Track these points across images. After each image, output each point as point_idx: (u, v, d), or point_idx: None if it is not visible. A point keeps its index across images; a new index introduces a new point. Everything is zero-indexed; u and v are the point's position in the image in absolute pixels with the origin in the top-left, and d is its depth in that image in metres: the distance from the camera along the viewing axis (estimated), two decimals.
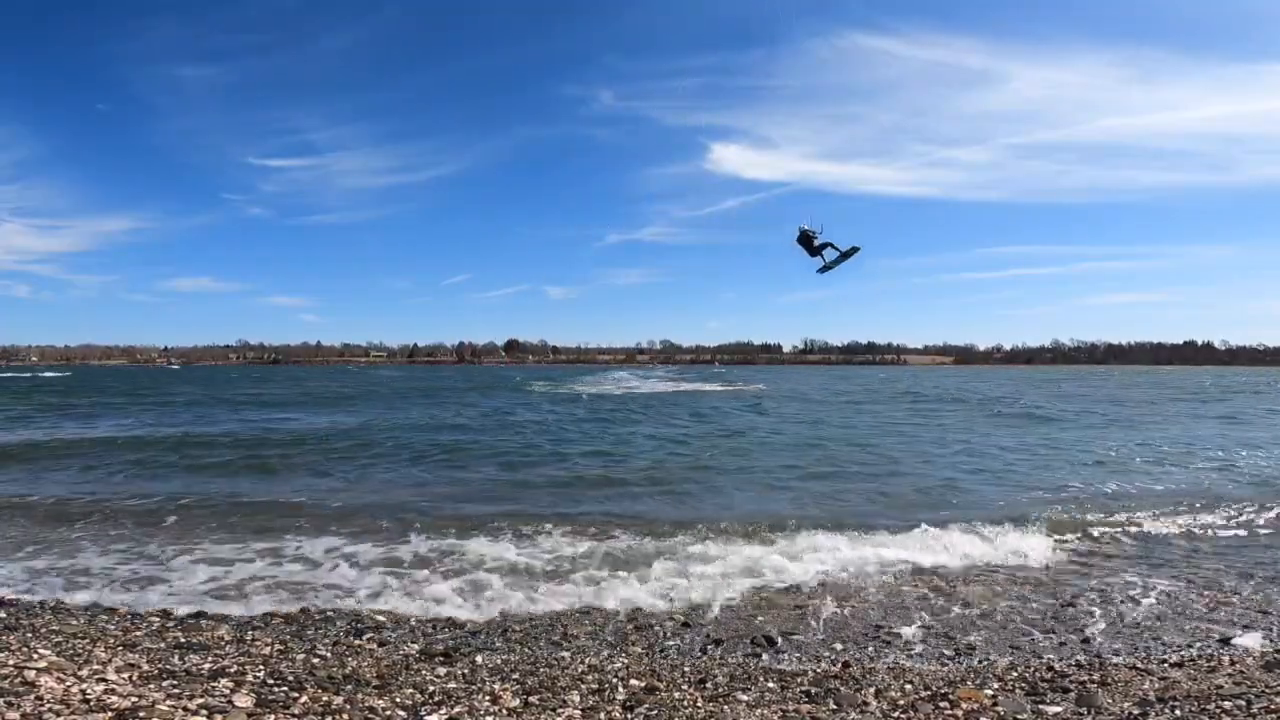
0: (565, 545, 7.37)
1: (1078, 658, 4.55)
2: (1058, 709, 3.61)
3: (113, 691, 3.37)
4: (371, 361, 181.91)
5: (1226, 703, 3.54)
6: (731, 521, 8.32)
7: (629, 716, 3.54)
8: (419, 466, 12.92)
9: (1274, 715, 3.38)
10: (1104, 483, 11.22)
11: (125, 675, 3.65)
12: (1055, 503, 9.67)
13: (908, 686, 4.02)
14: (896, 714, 3.61)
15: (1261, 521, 8.62)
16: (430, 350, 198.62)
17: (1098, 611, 5.50)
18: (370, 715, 3.36)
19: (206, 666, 3.94)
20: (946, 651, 4.77)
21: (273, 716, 3.26)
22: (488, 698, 3.67)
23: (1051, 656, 4.60)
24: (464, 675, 4.06)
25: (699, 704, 3.72)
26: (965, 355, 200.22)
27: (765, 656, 4.69)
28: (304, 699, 3.49)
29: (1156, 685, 3.93)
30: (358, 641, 4.72)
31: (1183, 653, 4.57)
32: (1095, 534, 8.01)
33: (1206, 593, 5.93)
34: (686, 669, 4.33)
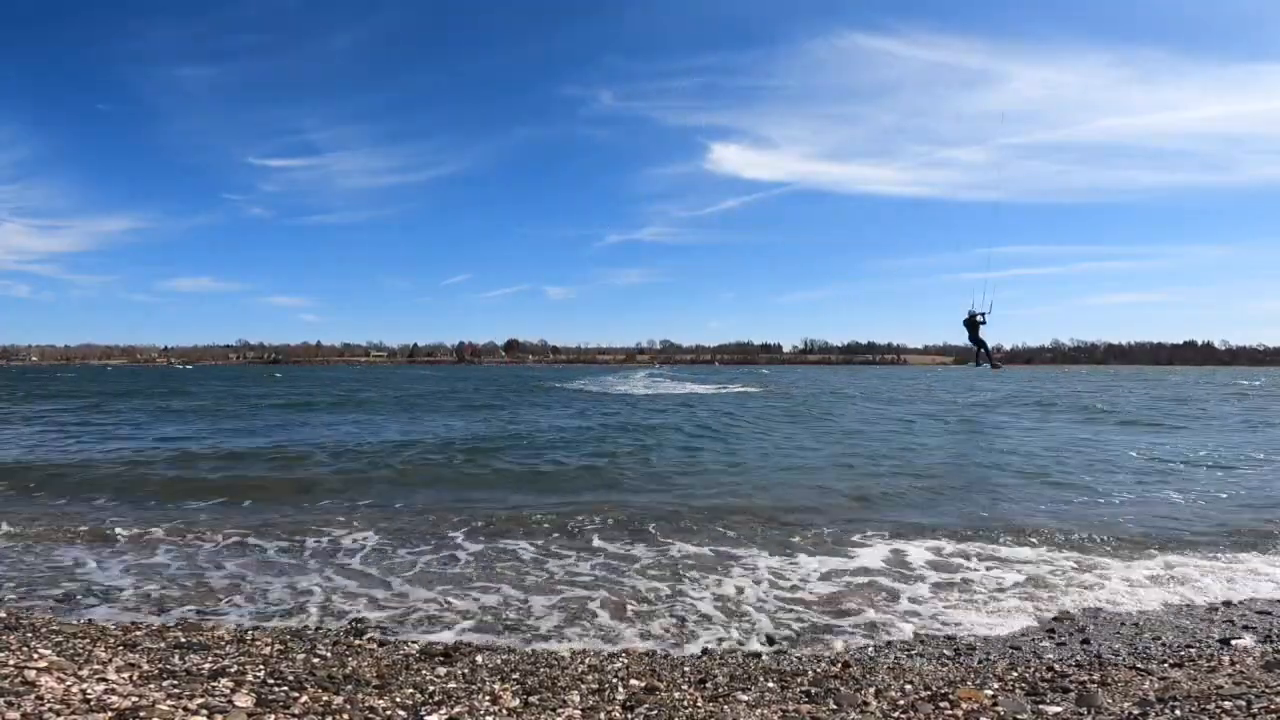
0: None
1: (1077, 658, 4.55)
2: (1058, 709, 3.61)
3: (113, 691, 3.37)
4: (372, 361, 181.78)
5: (1226, 703, 3.54)
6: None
7: (629, 716, 3.54)
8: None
9: (1274, 715, 3.38)
10: None
11: (125, 675, 3.66)
12: None
13: (908, 686, 4.02)
14: (896, 714, 3.61)
15: None
16: (430, 350, 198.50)
17: (1100, 612, 5.51)
18: (370, 715, 3.37)
19: (207, 666, 3.95)
20: (946, 652, 4.77)
21: (273, 716, 3.26)
22: (488, 698, 3.68)
23: (1051, 657, 4.60)
24: (464, 675, 4.06)
25: (699, 704, 3.73)
26: (965, 355, 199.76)
27: (765, 656, 4.68)
28: (304, 699, 3.50)
29: (1156, 685, 3.93)
30: (358, 641, 4.72)
31: (1183, 653, 4.57)
32: None
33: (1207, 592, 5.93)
34: (686, 669, 4.33)
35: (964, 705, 3.67)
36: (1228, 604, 5.68)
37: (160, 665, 3.91)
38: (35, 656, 3.87)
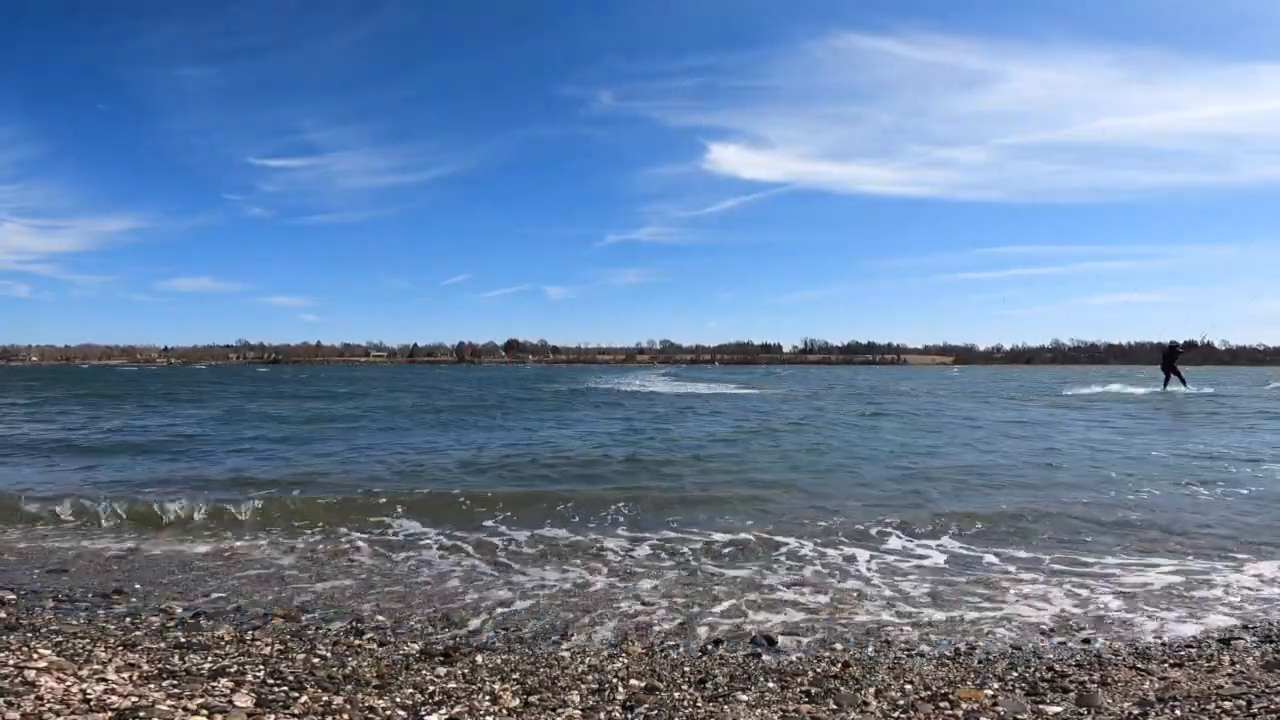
0: None
1: (1077, 658, 4.55)
2: (1058, 709, 3.61)
3: (113, 691, 3.37)
4: (372, 361, 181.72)
5: (1226, 703, 3.54)
6: None
7: (629, 716, 3.54)
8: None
9: (1274, 715, 3.38)
10: None
11: (125, 675, 3.66)
12: None
13: (908, 686, 4.02)
14: (896, 714, 3.61)
15: None
16: (430, 350, 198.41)
17: (1100, 612, 5.50)
18: (370, 715, 3.37)
19: (206, 666, 3.95)
20: (946, 651, 4.77)
21: (273, 716, 3.26)
22: (488, 697, 3.68)
23: (1051, 657, 4.60)
24: (464, 675, 4.06)
25: (699, 704, 3.73)
26: (965, 355, 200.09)
27: (765, 656, 4.68)
28: (304, 699, 3.50)
29: (1156, 685, 3.93)
30: (358, 641, 4.72)
31: (1182, 653, 4.57)
32: None
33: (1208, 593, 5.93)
34: (687, 669, 4.33)
35: (964, 705, 3.67)
36: (1228, 604, 5.68)
37: (160, 665, 3.92)
38: (35, 656, 3.87)
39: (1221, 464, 12.36)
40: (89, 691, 3.34)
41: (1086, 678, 4.10)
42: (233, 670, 3.89)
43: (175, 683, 3.60)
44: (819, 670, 4.37)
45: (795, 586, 6.09)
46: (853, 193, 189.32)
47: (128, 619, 5.05)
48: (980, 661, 4.56)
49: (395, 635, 4.93)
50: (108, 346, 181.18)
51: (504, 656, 4.51)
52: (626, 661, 4.50)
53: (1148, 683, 3.99)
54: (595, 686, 3.95)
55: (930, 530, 7.91)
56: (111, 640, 4.39)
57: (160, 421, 20.94)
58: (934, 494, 9.99)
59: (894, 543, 7.44)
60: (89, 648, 4.18)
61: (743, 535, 7.70)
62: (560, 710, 3.57)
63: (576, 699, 3.75)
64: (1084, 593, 5.85)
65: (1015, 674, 4.21)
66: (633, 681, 4.05)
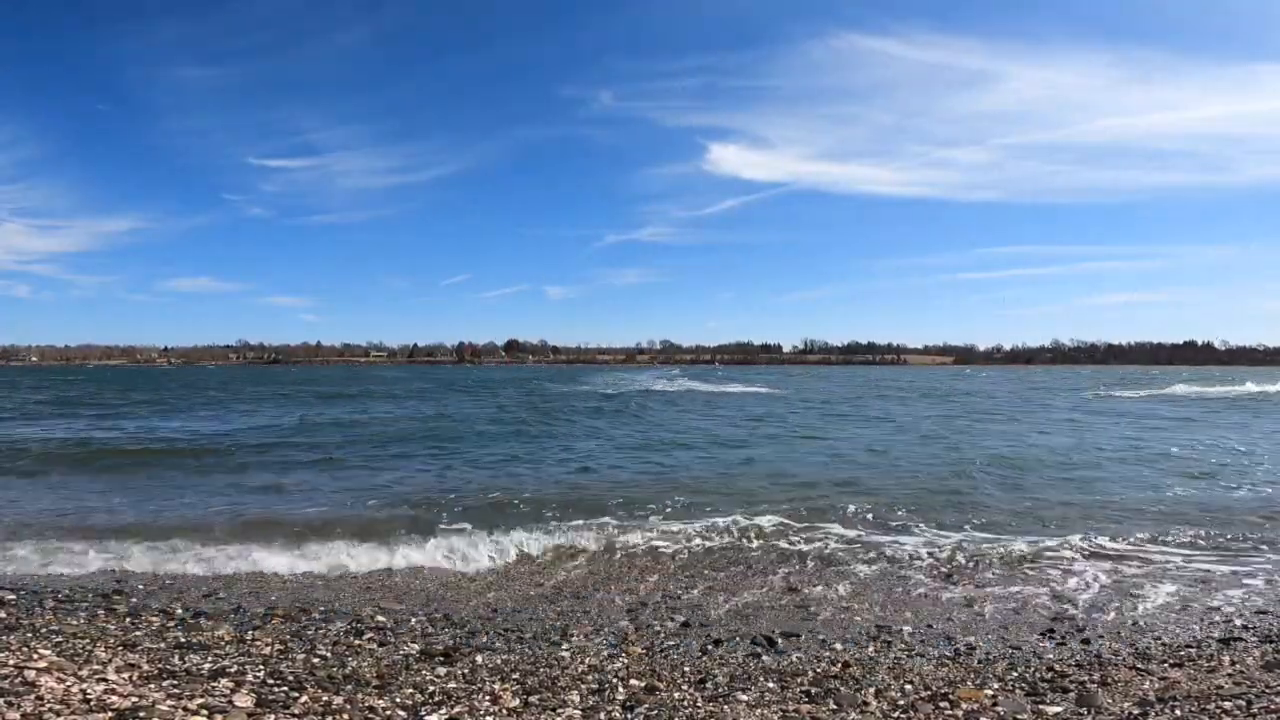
0: None
1: (1077, 658, 4.55)
2: (1058, 709, 3.61)
3: (113, 691, 3.37)
4: (372, 361, 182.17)
5: (1226, 703, 3.54)
6: None
7: (629, 716, 3.54)
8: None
9: (1274, 715, 3.38)
10: None
11: (125, 675, 3.66)
12: None
13: (908, 687, 4.02)
14: (896, 714, 3.61)
15: None
16: (430, 350, 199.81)
17: (1100, 612, 5.51)
18: (370, 715, 3.37)
19: (206, 666, 3.95)
20: (946, 652, 4.77)
21: (273, 716, 3.26)
22: (488, 698, 3.68)
23: (1051, 657, 4.60)
24: (464, 675, 4.06)
25: (699, 704, 3.73)
26: (965, 355, 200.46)
27: (765, 657, 4.68)
28: (304, 699, 3.50)
29: (1156, 685, 3.93)
30: (358, 641, 4.72)
31: (1182, 653, 4.57)
32: None
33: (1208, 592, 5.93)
34: (687, 669, 4.33)
35: (964, 705, 3.67)
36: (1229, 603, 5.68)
37: (160, 665, 3.91)
38: (35, 656, 3.87)
39: None
40: (89, 691, 3.34)
41: (1086, 678, 4.09)
42: (233, 670, 3.89)
43: (175, 683, 3.60)
44: (819, 670, 4.36)
45: None
46: (852, 193, 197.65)
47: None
48: (980, 661, 4.54)
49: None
50: (108, 347, 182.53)
51: (504, 656, 4.51)
52: (626, 661, 4.49)
53: (1148, 683, 3.98)
54: (595, 686, 3.95)
55: None
56: (111, 640, 4.39)
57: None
58: None
59: None
60: (89, 648, 4.18)
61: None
62: (560, 710, 3.57)
63: (576, 699, 3.75)
64: None
65: (1015, 674, 4.19)
66: (633, 681, 4.04)
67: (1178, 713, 3.48)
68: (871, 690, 3.95)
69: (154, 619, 5.09)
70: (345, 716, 3.33)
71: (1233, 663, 4.30)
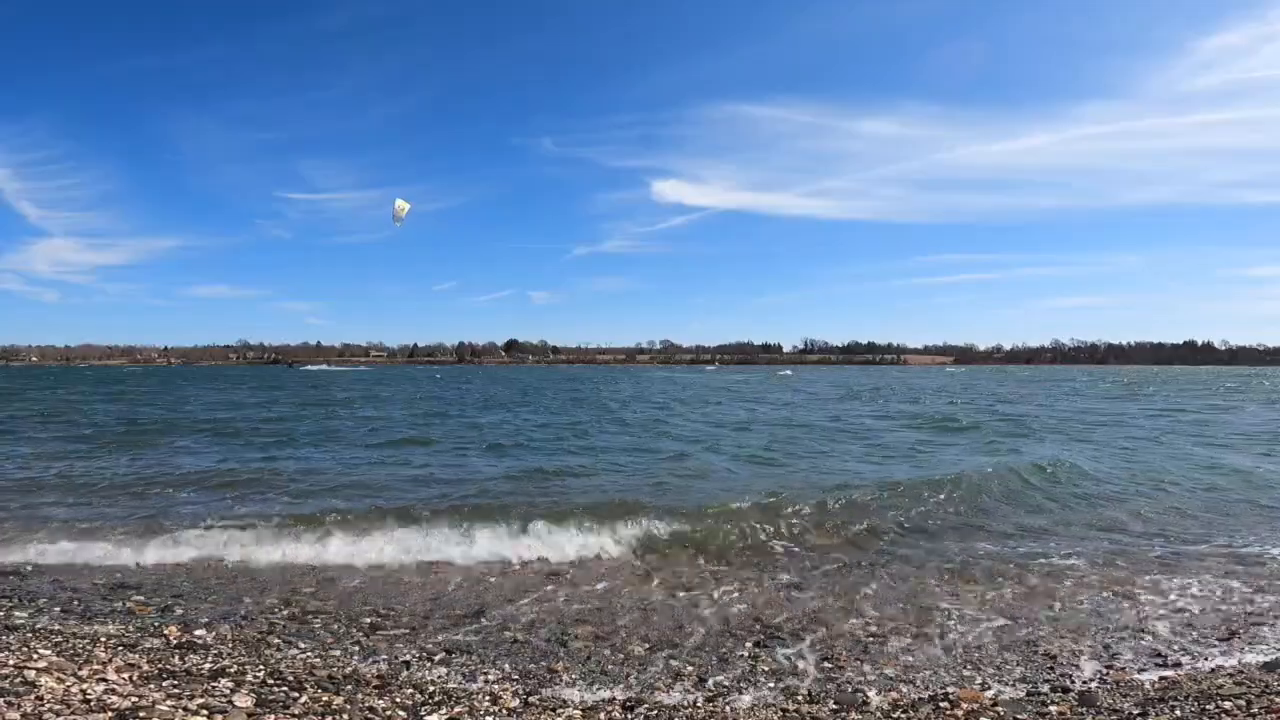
0: None
1: (1079, 658, 4.54)
2: (1058, 709, 3.61)
3: (113, 691, 3.37)
4: (372, 361, 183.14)
5: (1226, 703, 3.54)
6: None
7: (629, 716, 3.54)
8: None
9: (1274, 715, 3.38)
10: None
11: (125, 675, 3.65)
12: None
13: (907, 687, 4.02)
14: (897, 714, 3.61)
15: None
16: (430, 350, 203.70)
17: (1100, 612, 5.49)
18: (370, 715, 3.36)
19: (206, 666, 3.94)
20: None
21: (273, 716, 3.26)
22: (488, 698, 3.67)
23: (1052, 657, 4.59)
24: (464, 675, 4.06)
25: (699, 704, 3.72)
26: (965, 355, 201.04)
27: (766, 656, 4.68)
28: (304, 699, 3.49)
29: (1157, 685, 3.92)
30: None
31: (1183, 653, 4.56)
32: None
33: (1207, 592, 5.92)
34: (687, 669, 4.33)
35: (964, 705, 3.67)
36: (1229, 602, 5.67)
37: (160, 665, 3.91)
38: (35, 656, 3.87)
39: None
40: (89, 691, 3.34)
41: (1087, 677, 4.09)
42: (233, 670, 3.89)
43: (175, 683, 3.60)
44: (820, 670, 4.35)
45: None
46: (775, 214, 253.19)
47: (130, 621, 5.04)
48: (980, 661, 4.54)
49: None
50: (108, 347, 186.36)
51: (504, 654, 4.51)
52: None
53: (1148, 683, 3.98)
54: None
55: None
56: (111, 640, 4.38)
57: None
58: None
59: None
60: (89, 648, 4.17)
61: None
62: (560, 710, 3.57)
63: (576, 698, 3.75)
64: None
65: (1015, 674, 4.20)
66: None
67: (1178, 712, 3.47)
68: (872, 690, 3.95)
69: (154, 619, 5.08)
70: (345, 716, 3.32)
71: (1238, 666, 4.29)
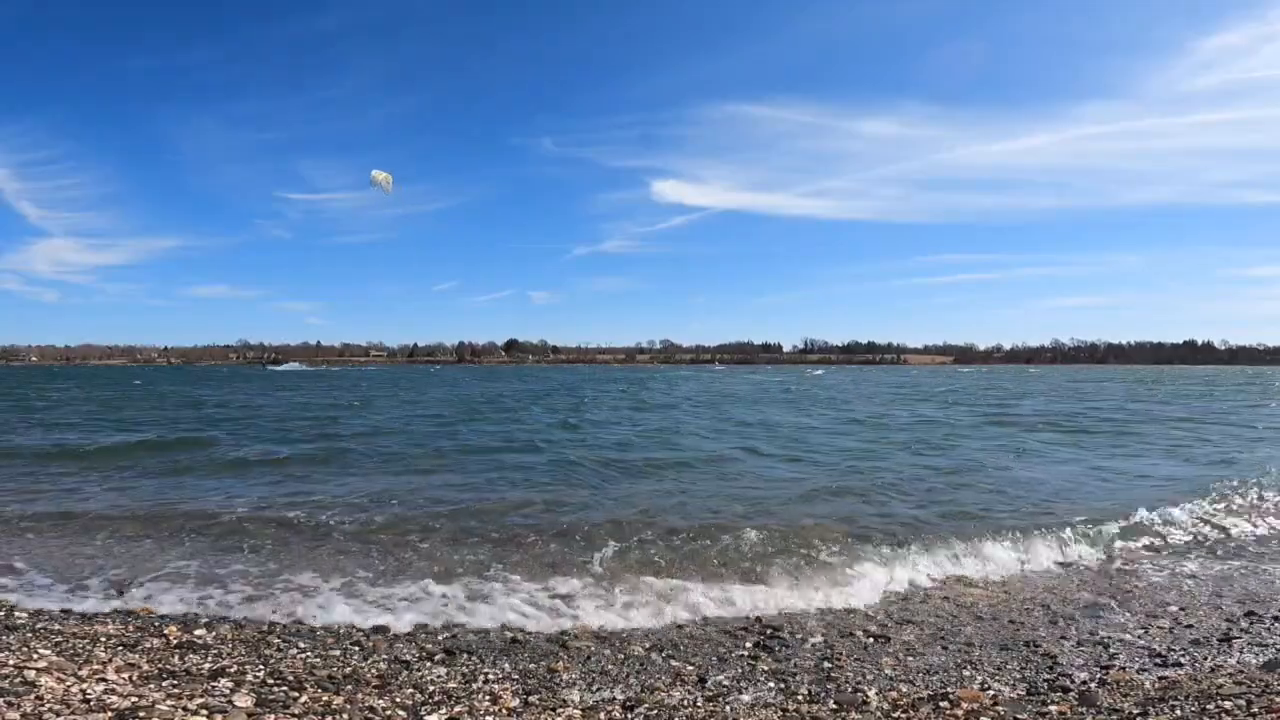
0: None
1: (1079, 657, 4.55)
2: (1058, 709, 3.61)
3: (113, 691, 3.37)
4: (371, 361, 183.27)
5: (1226, 703, 3.54)
6: None
7: (629, 716, 3.54)
8: None
9: (1274, 715, 3.38)
10: None
11: (125, 675, 3.65)
12: None
13: (907, 687, 4.02)
14: (897, 714, 3.61)
15: None
16: (430, 350, 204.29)
17: (1100, 611, 5.50)
18: (370, 715, 3.36)
19: (206, 666, 3.94)
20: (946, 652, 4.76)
21: (273, 716, 3.26)
22: (488, 698, 3.67)
23: (1052, 656, 4.59)
24: (464, 675, 4.06)
25: (699, 704, 3.72)
26: (965, 355, 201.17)
27: (766, 656, 4.68)
28: (304, 699, 3.49)
29: (1157, 685, 3.92)
30: None
31: (1183, 653, 4.57)
32: None
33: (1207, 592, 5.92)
34: (687, 669, 4.33)
35: (964, 705, 3.67)
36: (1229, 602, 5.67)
37: (160, 665, 3.91)
38: (35, 656, 3.87)
39: None
40: (89, 691, 3.34)
41: (1086, 677, 4.09)
42: (233, 670, 3.89)
43: (175, 682, 3.60)
44: (820, 670, 4.35)
45: None
46: (774, 214, 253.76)
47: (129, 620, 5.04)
48: (981, 661, 4.54)
49: None
50: (108, 346, 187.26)
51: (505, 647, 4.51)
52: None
53: (1148, 682, 3.98)
54: (596, 686, 3.95)
55: None
56: (111, 640, 4.38)
57: None
58: None
59: None
60: (89, 648, 4.17)
61: None
62: (560, 710, 3.57)
63: (576, 698, 3.75)
64: None
65: (1015, 674, 4.20)
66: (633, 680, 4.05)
67: (1178, 712, 3.47)
68: (872, 690, 3.95)
69: (154, 619, 5.08)
70: (345, 716, 3.32)
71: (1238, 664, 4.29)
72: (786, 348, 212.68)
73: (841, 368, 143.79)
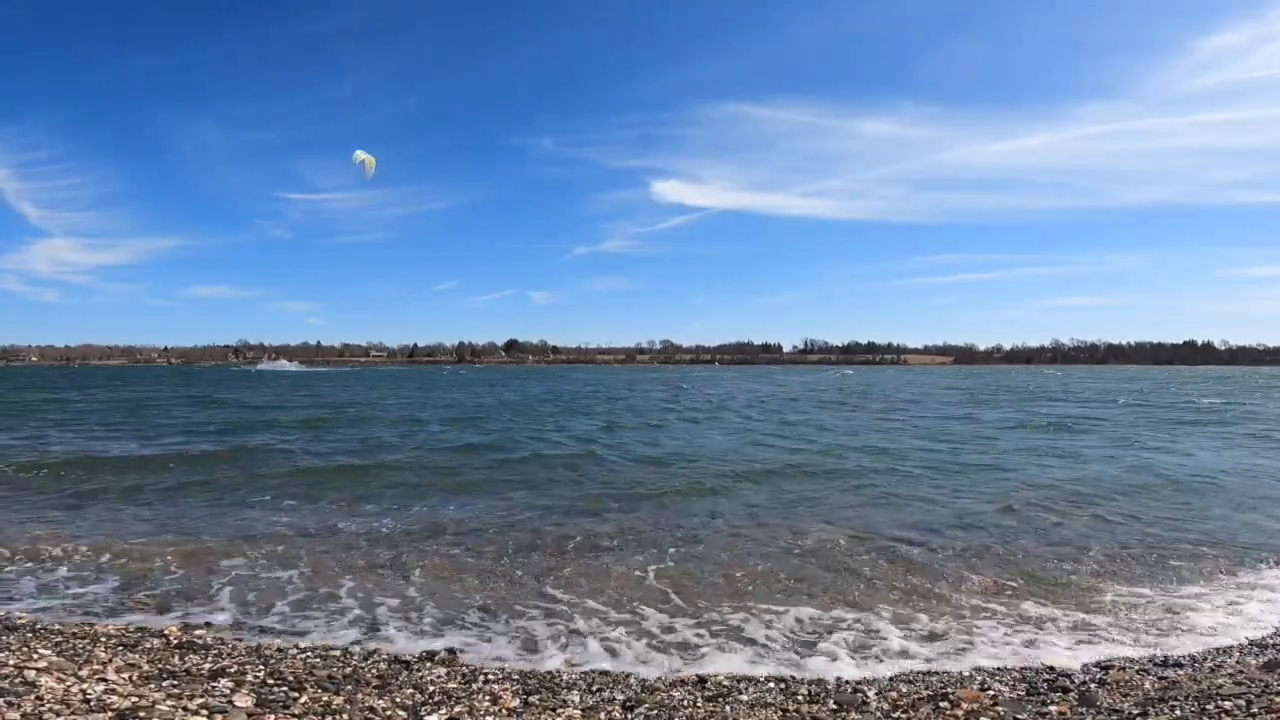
0: None
1: (1079, 657, 4.55)
2: (1058, 708, 3.61)
3: (113, 691, 3.37)
4: (371, 361, 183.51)
5: (1227, 703, 3.54)
6: None
7: (629, 716, 3.54)
8: None
9: (1274, 715, 3.38)
10: None
11: (125, 675, 3.65)
12: None
13: (907, 687, 4.02)
14: (897, 714, 3.61)
15: None
16: (430, 350, 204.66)
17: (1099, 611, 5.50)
18: (370, 715, 3.36)
19: (206, 666, 3.94)
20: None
21: (273, 716, 3.26)
22: (488, 698, 3.67)
23: (1052, 656, 4.59)
24: (464, 675, 4.06)
25: (699, 704, 3.72)
26: (965, 355, 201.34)
27: (766, 656, 4.68)
28: (304, 699, 3.49)
29: (1157, 685, 3.92)
30: None
31: (1183, 653, 4.57)
32: None
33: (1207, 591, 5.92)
34: (687, 668, 4.33)
35: (964, 705, 3.67)
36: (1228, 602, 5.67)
37: (160, 665, 3.91)
38: (35, 656, 3.87)
39: None
40: (89, 691, 3.34)
41: (1086, 677, 4.09)
42: (233, 670, 3.89)
43: (175, 683, 3.60)
44: (819, 670, 4.35)
45: None
46: (774, 214, 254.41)
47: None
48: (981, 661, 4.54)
49: None
50: (108, 347, 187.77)
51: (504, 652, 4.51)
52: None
53: (1148, 682, 3.98)
54: (595, 686, 3.95)
55: None
56: (111, 640, 4.38)
57: None
58: None
59: None
60: (89, 648, 4.17)
61: None
62: (560, 710, 3.57)
63: (576, 698, 3.75)
64: None
65: (1015, 674, 4.20)
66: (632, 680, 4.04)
67: (1178, 712, 3.47)
68: (872, 690, 3.95)
69: (155, 618, 5.08)
70: (345, 716, 3.32)
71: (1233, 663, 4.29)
72: (786, 348, 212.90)
73: (876, 369, 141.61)
